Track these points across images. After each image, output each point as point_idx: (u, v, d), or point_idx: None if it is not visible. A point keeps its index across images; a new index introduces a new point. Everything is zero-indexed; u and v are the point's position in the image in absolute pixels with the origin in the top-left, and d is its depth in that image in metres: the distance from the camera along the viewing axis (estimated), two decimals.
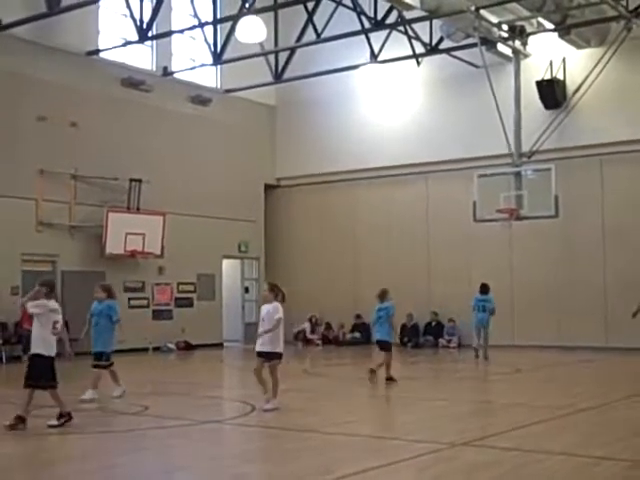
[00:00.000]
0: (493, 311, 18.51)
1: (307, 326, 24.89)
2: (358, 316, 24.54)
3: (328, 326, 25.11)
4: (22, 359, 18.96)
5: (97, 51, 21.93)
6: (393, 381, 13.76)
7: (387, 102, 24.80)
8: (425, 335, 23.33)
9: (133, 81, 22.58)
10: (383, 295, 14.12)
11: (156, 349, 22.31)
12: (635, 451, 7.88)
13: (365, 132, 24.93)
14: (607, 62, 20.08)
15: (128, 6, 20.66)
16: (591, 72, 20.42)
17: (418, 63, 23.68)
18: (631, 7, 18.81)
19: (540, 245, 21.91)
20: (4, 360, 18.97)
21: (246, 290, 26.27)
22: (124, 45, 22.07)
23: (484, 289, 18.53)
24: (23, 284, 19.82)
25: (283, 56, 23.92)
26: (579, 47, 21.48)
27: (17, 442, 8.87)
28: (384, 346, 14.17)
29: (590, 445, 8.28)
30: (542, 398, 11.96)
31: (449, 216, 23.24)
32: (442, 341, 22.88)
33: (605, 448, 8.02)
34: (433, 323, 23.26)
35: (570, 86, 21.52)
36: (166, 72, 23.69)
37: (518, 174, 20.76)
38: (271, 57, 24.02)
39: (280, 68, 24.07)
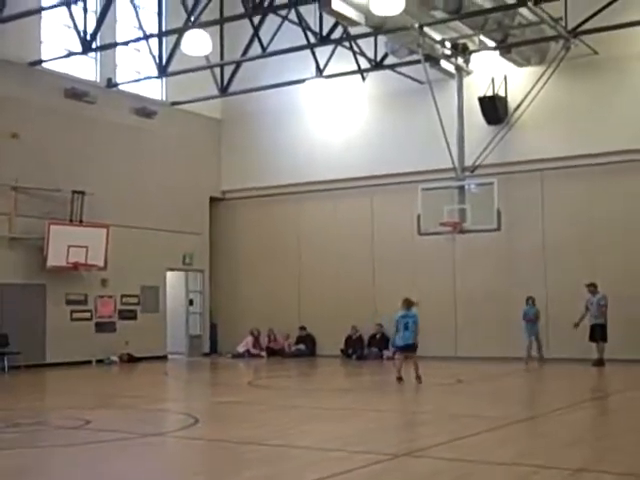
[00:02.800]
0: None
1: (250, 339, 24.83)
2: (302, 328, 24.60)
3: (272, 338, 25.07)
4: None
5: (40, 61, 21.66)
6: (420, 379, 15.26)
7: (333, 116, 24.96)
8: (370, 347, 23.43)
9: (77, 92, 22.35)
10: (410, 304, 15.71)
11: (99, 362, 22.06)
12: (574, 459, 8.02)
13: (310, 146, 25.05)
14: (547, 80, 20.51)
15: (71, 17, 20.43)
16: (531, 89, 20.83)
17: (363, 78, 23.89)
18: (570, 27, 19.25)
19: (483, 258, 22.21)
20: None
21: (190, 302, 26.12)
22: (67, 56, 21.85)
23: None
24: None
25: (229, 69, 23.90)
26: (520, 65, 21.91)
27: None
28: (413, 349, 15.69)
29: (531, 454, 8.41)
30: (484, 409, 12.11)
31: (394, 229, 23.43)
32: (387, 353, 22.96)
33: (545, 457, 8.16)
34: (377, 335, 23.37)
35: (511, 103, 21.91)
36: (110, 84, 23.51)
37: (461, 188, 21.07)
38: (217, 70, 23.98)
39: (226, 81, 24.04)
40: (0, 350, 19.87)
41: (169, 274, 25.11)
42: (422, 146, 22.77)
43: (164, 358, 24.07)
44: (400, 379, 15.45)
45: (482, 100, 21.99)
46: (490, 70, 22.24)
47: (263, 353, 24.64)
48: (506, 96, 22.12)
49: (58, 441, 9.71)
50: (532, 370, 17.69)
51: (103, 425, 10.53)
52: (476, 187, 21.13)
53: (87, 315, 22.44)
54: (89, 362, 21.70)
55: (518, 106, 21.35)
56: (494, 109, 21.88)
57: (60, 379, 19.01)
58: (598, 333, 19.08)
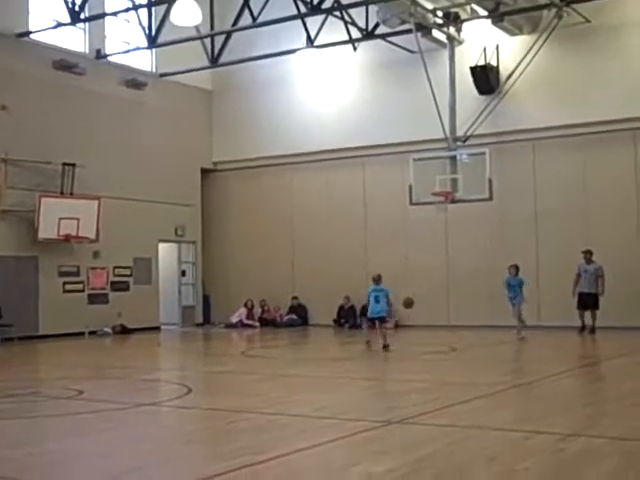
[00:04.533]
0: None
1: (243, 311, 24.89)
2: (295, 298, 24.68)
3: (265, 309, 25.13)
4: None
5: (28, 33, 21.46)
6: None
7: (324, 87, 24.84)
8: (362, 316, 23.49)
9: (65, 64, 22.17)
10: (379, 278, 16.61)
11: (92, 333, 22.08)
12: (565, 425, 8.08)
13: (302, 117, 24.95)
14: (539, 49, 20.43)
15: None
16: (523, 58, 20.75)
17: (354, 48, 23.75)
18: None
19: (475, 227, 22.24)
20: None
21: (183, 274, 26.14)
22: (56, 27, 21.66)
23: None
24: None
25: (219, 40, 23.73)
26: (512, 34, 21.81)
27: None
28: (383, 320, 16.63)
29: (523, 420, 8.48)
30: (477, 376, 12.18)
31: (386, 199, 23.43)
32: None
33: (537, 422, 8.21)
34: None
35: (503, 72, 21.82)
36: (99, 55, 23.32)
37: (453, 158, 21.05)
38: (207, 41, 23.80)
39: (216, 52, 23.88)
40: None
41: (161, 245, 25.09)
42: (414, 116, 22.69)
43: (157, 329, 24.12)
44: (369, 343, 16.65)
45: (474, 70, 21.90)
46: (482, 39, 22.14)
47: (256, 323, 24.71)
48: (498, 65, 22.04)
49: (53, 411, 9.72)
50: (524, 338, 17.76)
51: (97, 395, 10.55)
52: (468, 157, 21.10)
53: (80, 287, 22.43)
54: (82, 334, 21.72)
55: (510, 75, 21.28)
56: (486, 79, 21.80)
57: (53, 351, 19.03)
58: (591, 301, 19.02)
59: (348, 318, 23.55)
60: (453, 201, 20.59)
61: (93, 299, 22.68)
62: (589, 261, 19.15)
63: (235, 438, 7.85)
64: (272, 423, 8.60)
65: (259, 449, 7.14)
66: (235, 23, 22.26)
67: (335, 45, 23.30)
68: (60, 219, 21.14)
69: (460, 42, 22.30)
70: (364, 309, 23.50)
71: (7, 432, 8.57)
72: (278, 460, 6.74)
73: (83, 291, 22.52)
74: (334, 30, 22.78)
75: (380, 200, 23.64)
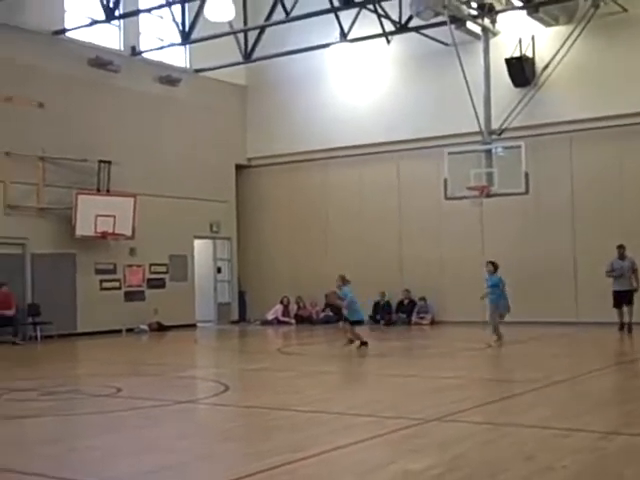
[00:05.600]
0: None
1: (279, 308, 24.93)
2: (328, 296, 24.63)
3: (301, 306, 25.14)
4: None
5: (63, 30, 21.66)
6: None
7: (357, 81, 24.77)
8: (398, 313, 23.45)
9: (101, 61, 22.34)
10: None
11: (129, 330, 22.25)
12: (604, 422, 7.99)
13: (336, 111, 24.88)
14: (575, 40, 20.18)
15: None
16: (559, 49, 20.51)
17: (388, 41, 23.62)
18: None
19: (510, 222, 22.05)
20: None
21: (218, 270, 26.24)
22: (91, 24, 21.83)
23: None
24: None
25: (252, 35, 23.75)
26: (547, 25, 21.56)
27: None
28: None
29: (561, 417, 8.38)
30: (514, 373, 12.10)
31: (420, 194, 23.32)
32: (415, 318, 23.00)
33: (576, 420, 8.13)
34: (405, 301, 23.38)
35: (539, 63, 21.59)
36: (134, 52, 23.46)
37: (488, 151, 20.86)
38: (240, 36, 23.84)
39: (250, 47, 23.91)
40: (32, 320, 20.12)
41: (197, 242, 25.20)
42: (448, 110, 22.53)
43: (193, 326, 24.23)
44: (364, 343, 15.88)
45: (509, 61, 21.69)
46: (517, 30, 21.91)
47: (292, 320, 24.73)
48: (533, 57, 21.80)
49: (91, 408, 9.80)
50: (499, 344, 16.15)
51: (135, 393, 10.63)
52: (503, 150, 20.90)
53: (116, 284, 22.61)
54: (119, 331, 21.89)
55: (546, 67, 21.04)
56: (521, 70, 21.58)
57: (91, 348, 19.22)
58: (628, 298, 18.55)
59: (384, 314, 23.48)
60: (488, 195, 20.41)
61: (130, 296, 22.85)
62: (622, 256, 18.59)
63: (273, 436, 7.86)
64: (309, 421, 8.60)
65: (297, 447, 7.14)
66: (268, 18, 22.26)
67: (369, 39, 23.19)
68: (97, 216, 21.32)
69: (495, 34, 22.10)
70: (400, 305, 23.48)
71: (46, 429, 8.67)
72: (316, 458, 6.73)
73: (120, 288, 22.69)
74: (367, 24, 22.68)
75: (414, 195, 23.53)
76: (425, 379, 11.97)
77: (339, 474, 6.31)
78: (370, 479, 6.14)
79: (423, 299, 23.16)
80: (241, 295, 26.40)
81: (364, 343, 15.79)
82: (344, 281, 16.36)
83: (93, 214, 21.26)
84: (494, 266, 16.87)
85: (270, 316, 24.76)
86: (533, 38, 21.85)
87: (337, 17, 22.63)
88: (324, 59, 24.77)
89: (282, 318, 24.73)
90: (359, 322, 16.42)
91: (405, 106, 23.62)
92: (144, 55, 23.68)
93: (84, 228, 21.23)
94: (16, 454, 7.32)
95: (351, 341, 15.97)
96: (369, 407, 9.24)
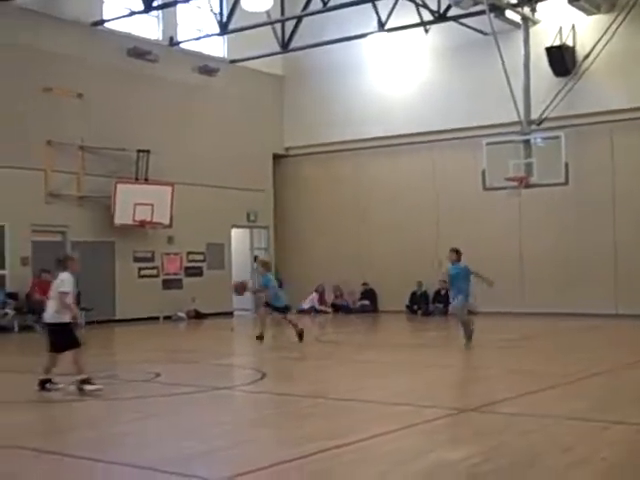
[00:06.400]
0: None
1: (315, 296, 24.99)
2: (365, 284, 24.68)
3: (337, 294, 25.18)
4: (34, 329, 19.22)
5: (102, 21, 21.84)
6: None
7: (395, 71, 24.67)
8: (435, 303, 23.38)
9: (139, 51, 22.50)
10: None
11: (167, 318, 22.44)
12: None
13: (373, 101, 24.83)
14: (617, 28, 19.90)
15: None
16: (601, 38, 20.23)
17: (426, 31, 23.50)
18: None
19: (550, 213, 21.87)
20: (16, 329, 19.10)
21: (255, 259, 26.29)
22: (129, 15, 21.98)
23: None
24: (33, 255, 20.01)
25: (290, 25, 23.76)
26: (589, 13, 21.29)
27: (27, 410, 8.98)
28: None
29: (599, 410, 8.31)
30: (551, 364, 12.01)
31: (458, 185, 23.20)
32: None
33: (615, 412, 8.06)
34: (442, 291, 23.30)
35: (580, 52, 21.34)
36: (172, 42, 23.58)
37: (527, 142, 20.69)
38: (278, 26, 23.86)
39: (287, 37, 23.92)
40: None
41: (234, 231, 25.32)
42: (486, 99, 22.37)
43: (230, 314, 24.37)
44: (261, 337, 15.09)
45: (549, 50, 21.46)
46: (557, 19, 21.68)
47: (328, 309, 24.77)
48: (574, 46, 21.56)
49: (130, 394, 9.91)
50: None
51: (173, 379, 10.73)
52: (543, 141, 20.71)
53: (154, 272, 22.82)
54: (156, 318, 22.09)
55: (587, 56, 20.79)
56: (562, 60, 21.35)
57: (130, 334, 19.42)
58: None
59: (421, 304, 23.45)
60: (527, 186, 20.25)
61: (167, 284, 23.06)
62: None
63: (308, 423, 7.90)
64: (346, 408, 8.62)
65: (333, 434, 7.17)
66: (305, 8, 22.26)
67: (406, 28, 23.08)
68: (135, 205, 21.51)
69: (535, 22, 21.88)
70: (437, 295, 23.40)
71: (86, 413, 8.81)
72: (352, 446, 6.75)
73: (158, 276, 22.90)
74: (405, 13, 22.56)
75: (452, 185, 23.41)
76: (461, 369, 11.95)
77: (376, 462, 6.32)
78: (407, 468, 6.15)
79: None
80: (279, 283, 26.40)
81: (260, 336, 15.08)
82: (266, 268, 15.99)
83: (132, 203, 21.46)
84: (457, 254, 14.67)
85: (306, 305, 24.83)
86: (574, 27, 21.59)
87: (375, 6, 22.55)
88: (361, 49, 24.71)
89: (318, 307, 24.79)
90: (286, 308, 15.77)
91: (443, 96, 23.49)
92: (182, 45, 23.80)
93: (123, 216, 21.44)
94: (56, 437, 7.44)
95: (300, 335, 15.08)
96: (405, 396, 9.24)
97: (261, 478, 5.98)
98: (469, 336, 14.26)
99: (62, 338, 9.54)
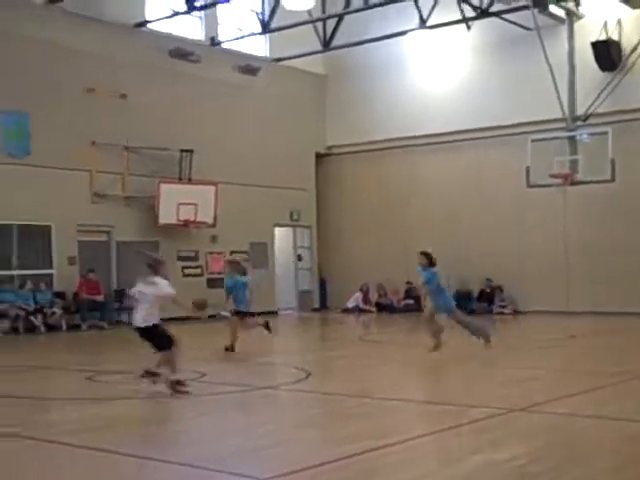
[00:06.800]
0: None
1: (359, 295, 24.96)
2: (409, 282, 24.56)
3: (382, 293, 25.13)
4: (81, 327, 19.49)
5: (145, 22, 22.05)
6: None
7: (437, 68, 24.54)
8: (479, 301, 23.21)
9: (181, 52, 22.66)
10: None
11: (211, 317, 22.49)
12: None
13: (415, 99, 24.73)
14: None
15: None
16: None
17: (468, 27, 23.32)
18: None
19: (595, 210, 21.59)
20: (64, 328, 19.36)
21: (299, 258, 26.40)
22: (172, 16, 22.15)
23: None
24: (80, 255, 20.28)
25: (331, 23, 23.74)
26: (635, 7, 20.94)
27: (77, 408, 9.11)
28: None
29: None
30: (599, 364, 11.86)
31: (502, 182, 23.00)
32: (496, 308, 22.72)
33: None
34: (487, 290, 23.14)
35: (626, 47, 21.05)
36: (214, 42, 23.72)
37: (572, 138, 20.48)
38: (319, 25, 23.85)
39: (328, 36, 23.89)
40: (118, 305, 20.57)
41: (277, 230, 25.40)
42: (531, 96, 22.15)
43: (274, 313, 24.43)
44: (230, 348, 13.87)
45: (595, 45, 21.18)
46: (602, 13, 21.38)
47: (373, 308, 24.73)
48: (620, 40, 21.25)
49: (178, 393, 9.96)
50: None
51: (218, 378, 10.79)
52: (588, 137, 20.49)
53: (198, 271, 22.96)
54: (200, 317, 22.16)
55: (633, 50, 20.50)
56: (607, 54, 21.06)
57: (175, 334, 19.50)
58: None
59: (464, 303, 23.20)
60: (573, 183, 20.03)
61: (212, 283, 23.17)
62: None
63: (353, 423, 7.89)
64: (391, 408, 8.60)
65: (378, 434, 7.15)
66: (347, 6, 22.20)
67: (448, 25, 22.92)
68: (179, 204, 21.67)
69: (579, 17, 21.62)
70: (481, 294, 23.21)
71: (134, 411, 8.89)
72: (398, 446, 6.73)
73: (202, 275, 23.04)
74: (447, 10, 22.39)
75: (496, 182, 23.21)
76: (506, 369, 11.85)
77: (421, 463, 6.29)
78: (453, 469, 6.11)
79: (500, 288, 22.91)
80: (322, 283, 26.51)
81: (229, 347, 13.91)
82: (233, 268, 14.87)
83: (175, 202, 21.62)
84: (427, 258, 13.51)
85: (350, 304, 24.81)
86: (619, 21, 21.28)
87: (416, 3, 22.41)
88: (403, 46, 24.60)
89: (363, 306, 24.75)
90: (246, 313, 14.47)
91: (486, 93, 23.31)
92: (223, 45, 23.91)
93: (167, 216, 21.61)
94: (106, 435, 7.53)
95: (267, 325, 14.65)
96: (451, 396, 9.19)
97: (306, 477, 5.99)
98: (436, 343, 12.89)
99: (158, 340, 9.50)
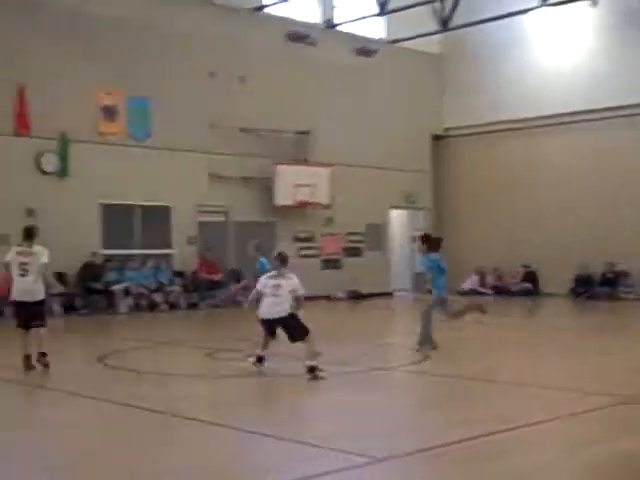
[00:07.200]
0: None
1: (475, 278, 24.61)
2: (526, 266, 24.06)
3: (498, 276, 24.71)
4: (199, 306, 19.92)
5: (262, 7, 22.25)
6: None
7: (559, 47, 23.79)
8: (601, 286, 22.51)
9: (298, 35, 22.76)
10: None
11: (325, 298, 22.69)
12: None
13: (536, 79, 24.06)
14: None
15: None
16: None
17: (594, 3, 22.48)
18: None
19: None
20: (183, 307, 19.82)
21: (414, 240, 26.20)
22: (289, 0, 22.27)
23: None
24: (200, 234, 20.74)
25: (449, 3, 23.31)
26: None
27: (200, 384, 9.30)
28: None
29: None
30: None
31: (624, 165, 22.19)
32: (620, 293, 21.98)
33: None
34: (609, 274, 22.41)
35: None
36: (330, 24, 23.70)
37: None
38: (437, 5, 23.45)
39: (446, 16, 23.48)
40: (234, 285, 20.90)
41: (393, 212, 25.29)
42: None
43: (389, 295, 24.38)
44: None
45: None
46: None
47: (489, 291, 24.34)
48: None
49: (290, 371, 10.06)
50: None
51: (335, 358, 10.79)
52: None
53: (314, 252, 23.11)
54: (315, 298, 22.34)
55: None
56: None
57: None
58: None
59: (586, 287, 22.64)
60: None
61: (327, 264, 23.31)
62: None
63: (473, 405, 7.81)
64: (511, 392, 8.45)
65: (497, 418, 7.04)
66: None
67: (572, 2, 22.15)
68: (295, 186, 21.83)
69: None
70: (604, 278, 22.47)
71: (252, 389, 9.03)
72: (518, 431, 6.61)
73: (317, 256, 23.19)
74: None
75: (621, 165, 22.39)
76: (630, 356, 11.43)
77: (543, 450, 6.13)
78: (576, 457, 5.95)
79: (625, 274, 22.15)
80: None
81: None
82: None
83: (291, 184, 21.79)
84: (426, 242, 12.38)
85: (466, 286, 24.50)
86: None
87: None
88: (524, 25, 23.96)
89: (478, 288, 24.41)
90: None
91: (611, 72, 22.45)
92: (340, 27, 23.87)
93: (283, 197, 21.82)
94: (223, 411, 7.67)
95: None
96: (573, 382, 8.95)
97: (428, 458, 5.95)
98: (421, 341, 11.48)
99: (296, 329, 9.54)
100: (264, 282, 9.75)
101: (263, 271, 12.42)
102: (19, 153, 18.15)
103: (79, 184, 18.81)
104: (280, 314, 9.53)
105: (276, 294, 9.55)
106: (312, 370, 9.25)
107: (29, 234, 10.13)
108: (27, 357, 9.93)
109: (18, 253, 10.05)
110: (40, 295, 10.08)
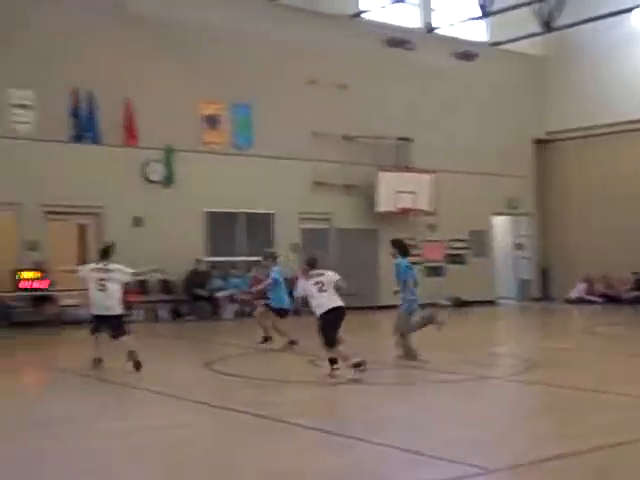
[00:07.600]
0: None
1: (583, 286, 23.94)
2: (636, 273, 23.26)
3: (608, 284, 23.96)
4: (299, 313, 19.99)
5: (359, 13, 22.27)
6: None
7: None
8: None
9: (397, 40, 22.70)
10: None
11: (428, 305, 22.43)
12: None
13: None
14: None
15: None
16: None
17: None
18: None
19: None
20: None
21: (518, 247, 25.76)
22: (391, 3, 22.23)
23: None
24: (302, 241, 20.87)
25: (552, 4, 22.77)
26: None
27: (300, 390, 9.31)
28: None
29: None
30: None
31: None
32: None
33: None
34: None
35: None
36: (430, 28, 23.52)
37: None
38: (541, 6, 22.94)
39: (549, 17, 22.96)
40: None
41: (495, 218, 24.88)
42: None
43: (492, 303, 23.97)
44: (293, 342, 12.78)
45: None
46: None
47: (598, 299, 23.62)
48: None
49: (397, 379, 9.96)
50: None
51: (440, 366, 10.67)
52: None
53: (416, 259, 22.85)
54: (420, 306, 22.12)
55: None
56: None
57: (390, 320, 19.57)
58: None
59: None
60: None
61: (429, 271, 23.09)
62: None
63: (586, 417, 7.55)
64: (622, 404, 8.15)
65: (611, 430, 6.79)
66: None
67: None
68: (397, 192, 21.73)
69: None
70: None
71: (355, 396, 8.97)
72: (633, 445, 6.33)
73: (420, 263, 22.96)
74: None
75: None
76: None
77: None
78: None
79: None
80: (544, 272, 25.67)
81: (292, 342, 12.88)
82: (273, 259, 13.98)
83: (393, 190, 21.70)
84: (397, 247, 12.40)
85: (573, 294, 23.87)
86: None
87: None
88: (631, 23, 23.24)
89: (586, 297, 23.72)
90: (284, 311, 13.30)
91: None
92: (438, 31, 23.66)
93: (385, 204, 21.76)
94: (329, 417, 7.64)
95: (292, 342, 12.96)
96: None
97: (542, 469, 5.76)
98: (406, 353, 11.15)
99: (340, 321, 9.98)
100: (303, 285, 10.27)
101: (276, 281, 13.38)
102: (127, 163, 18.68)
103: (184, 192, 19.21)
104: (329, 305, 9.94)
105: (326, 290, 10.01)
106: (357, 365, 9.29)
107: (105, 252, 10.85)
108: (97, 360, 10.57)
109: (93, 270, 10.70)
110: (117, 310, 10.61)
